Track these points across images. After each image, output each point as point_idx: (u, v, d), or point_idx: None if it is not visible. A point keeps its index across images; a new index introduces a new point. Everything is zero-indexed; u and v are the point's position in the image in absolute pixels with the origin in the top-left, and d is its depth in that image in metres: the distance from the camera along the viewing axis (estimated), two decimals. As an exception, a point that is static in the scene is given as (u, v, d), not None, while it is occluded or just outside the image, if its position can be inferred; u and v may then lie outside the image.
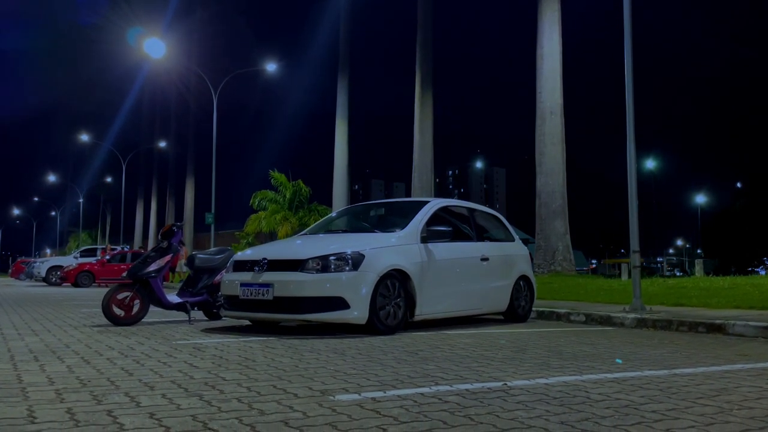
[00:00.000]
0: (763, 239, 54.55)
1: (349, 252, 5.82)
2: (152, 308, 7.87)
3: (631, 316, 7.49)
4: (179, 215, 45.16)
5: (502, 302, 7.55)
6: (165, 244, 7.01)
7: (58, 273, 24.20)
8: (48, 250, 71.03)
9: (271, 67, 26.54)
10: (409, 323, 6.36)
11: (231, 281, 6.14)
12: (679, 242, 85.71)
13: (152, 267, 6.79)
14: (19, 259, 47.01)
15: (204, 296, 7.27)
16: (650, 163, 53.53)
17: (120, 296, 6.69)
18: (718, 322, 6.61)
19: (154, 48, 24.18)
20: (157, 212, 50.15)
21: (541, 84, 17.58)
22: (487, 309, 7.40)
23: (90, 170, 60.56)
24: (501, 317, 7.95)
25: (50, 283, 24.92)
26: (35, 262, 31.19)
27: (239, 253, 6.66)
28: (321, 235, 7.10)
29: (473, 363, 4.04)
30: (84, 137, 44.76)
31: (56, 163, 64.76)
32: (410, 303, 6.20)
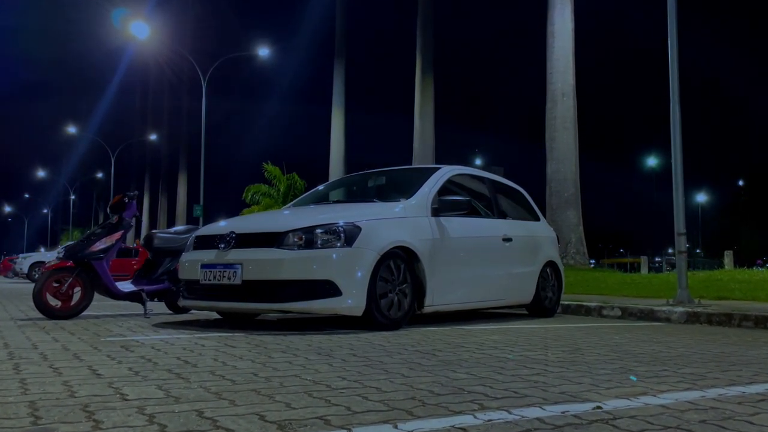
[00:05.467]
0: (765, 236, 53.41)
1: (341, 223, 4.49)
2: (105, 300, 6.57)
3: (679, 309, 6.24)
4: (171, 211, 43.69)
5: (526, 292, 6.24)
6: (115, 219, 5.67)
7: (40, 269, 22.87)
8: (42, 249, 69.48)
9: (263, 52, 25.11)
10: (415, 316, 5.05)
11: (191, 262, 4.80)
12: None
13: (98, 246, 5.46)
14: (6, 257, 45.54)
15: (165, 284, 5.93)
16: (651, 161, 52.16)
17: (56, 282, 5.36)
18: (794, 316, 5.44)
19: (140, 31, 22.79)
20: (149, 208, 48.55)
21: (551, 64, 16.26)
22: (509, 300, 6.09)
23: (81, 166, 58.90)
24: (524, 311, 6.65)
25: (33, 280, 23.58)
26: (17, 258, 29.89)
27: (203, 227, 5.32)
28: (310, 206, 5.77)
29: (521, 369, 2.72)
30: (72, 129, 43.05)
31: (46, 157, 63.13)
32: (418, 290, 4.88)
